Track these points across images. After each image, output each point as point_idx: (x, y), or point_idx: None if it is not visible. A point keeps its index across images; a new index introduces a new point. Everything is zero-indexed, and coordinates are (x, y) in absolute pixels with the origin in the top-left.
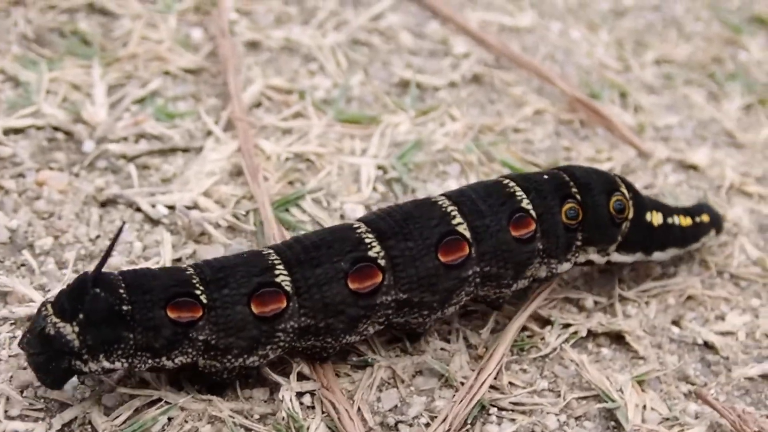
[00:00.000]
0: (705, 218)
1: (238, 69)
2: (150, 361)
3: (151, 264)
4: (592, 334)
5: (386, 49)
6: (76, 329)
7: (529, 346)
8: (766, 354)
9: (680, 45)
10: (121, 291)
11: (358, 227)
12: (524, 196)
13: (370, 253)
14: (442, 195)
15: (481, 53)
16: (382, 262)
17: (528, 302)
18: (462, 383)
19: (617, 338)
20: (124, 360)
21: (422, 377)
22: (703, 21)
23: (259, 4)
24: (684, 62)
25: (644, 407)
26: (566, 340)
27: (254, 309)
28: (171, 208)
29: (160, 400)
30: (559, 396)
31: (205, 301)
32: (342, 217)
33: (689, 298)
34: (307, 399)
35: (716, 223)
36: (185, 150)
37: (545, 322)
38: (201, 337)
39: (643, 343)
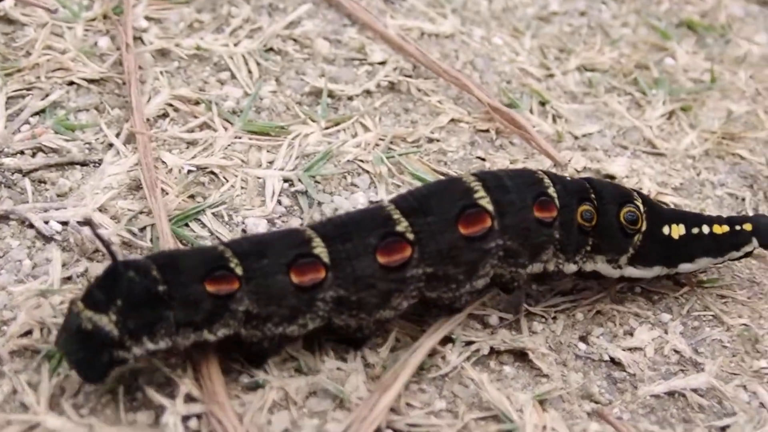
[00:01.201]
0: (747, 227)
1: (144, 79)
2: (192, 335)
3: (39, 283)
4: (495, 352)
5: (301, 57)
6: (114, 318)
7: (429, 366)
8: (674, 370)
9: (605, 51)
10: (155, 273)
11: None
12: (551, 184)
13: (398, 228)
14: (472, 174)
15: (399, 61)
16: (410, 236)
17: (439, 323)
18: (357, 404)
19: (521, 356)
20: (168, 338)
21: (316, 398)
22: (631, 26)
23: (171, 11)
24: (608, 69)
25: (544, 428)
26: (468, 359)
27: (294, 279)
28: (65, 224)
29: (38, 425)
30: (457, 417)
31: (240, 273)
32: (244, 231)
33: (598, 313)
34: (193, 423)
35: (762, 233)
36: (83, 164)
37: (447, 339)
38: (241, 308)
39: (547, 361)
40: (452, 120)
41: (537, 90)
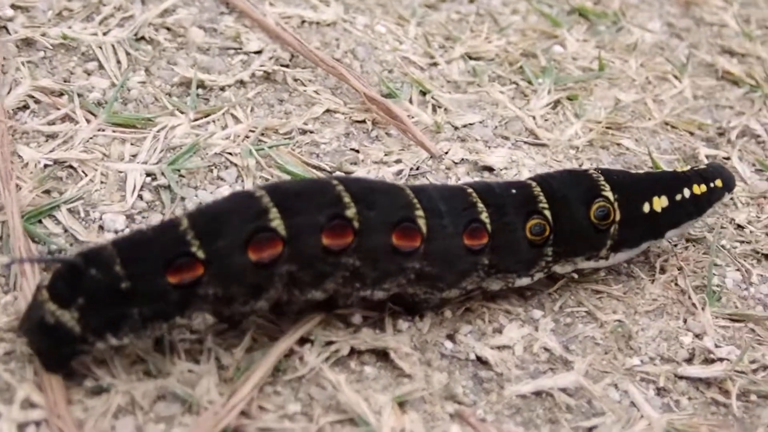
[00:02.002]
0: (719, 183)
1: (6, 70)
2: (164, 324)
3: None
4: (355, 352)
5: (173, 47)
6: (76, 315)
7: (286, 367)
8: (542, 369)
9: (492, 39)
10: (118, 268)
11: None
12: (484, 208)
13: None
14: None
15: (276, 50)
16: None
17: (300, 323)
18: (206, 408)
19: (383, 355)
20: (132, 334)
21: (164, 403)
22: (521, 13)
23: None
24: (494, 57)
25: (402, 431)
26: (327, 359)
27: (252, 257)
28: None
29: None
30: (311, 420)
31: (202, 256)
32: (101, 228)
33: (468, 310)
34: (31, 429)
35: (728, 184)
36: None
37: (306, 339)
38: (210, 291)
39: (410, 360)
40: (328, 111)
41: (418, 79)
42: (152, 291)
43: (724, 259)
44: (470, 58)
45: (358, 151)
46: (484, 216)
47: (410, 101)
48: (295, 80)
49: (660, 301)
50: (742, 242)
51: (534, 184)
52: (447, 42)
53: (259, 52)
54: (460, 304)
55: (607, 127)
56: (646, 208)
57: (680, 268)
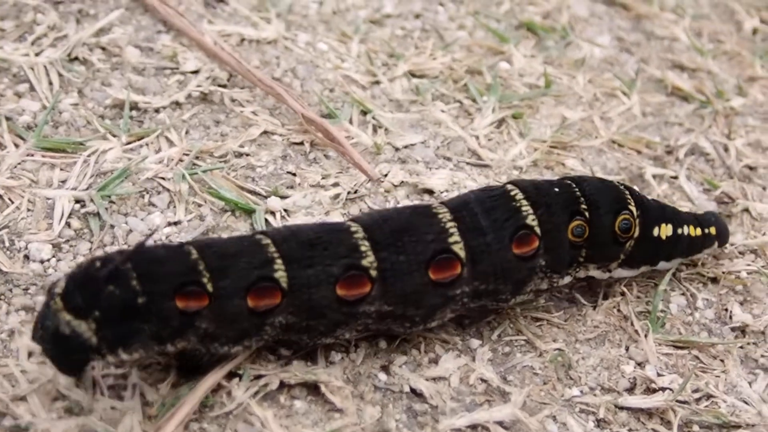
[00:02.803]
0: (713, 230)
1: None
2: (156, 348)
3: None
4: (285, 386)
5: (107, 67)
6: (93, 326)
7: (212, 402)
8: (479, 401)
9: (437, 56)
10: (134, 283)
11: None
12: (531, 211)
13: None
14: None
15: (213, 70)
16: (373, 273)
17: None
18: None
19: (314, 389)
20: (141, 350)
21: None
22: (467, 29)
23: None
24: (438, 75)
25: None
26: (255, 394)
27: (250, 303)
28: None
29: None
30: None
31: (210, 290)
32: (26, 257)
33: (403, 340)
34: None
35: (722, 236)
36: None
37: (233, 373)
38: (204, 325)
39: (342, 394)
40: (265, 132)
41: (359, 99)
42: (161, 311)
43: (670, 284)
44: (414, 75)
45: (294, 175)
46: (531, 219)
47: (350, 121)
48: (233, 101)
49: (602, 328)
50: (687, 266)
51: (573, 184)
52: (390, 59)
53: (196, 72)
54: (395, 335)
55: (552, 147)
56: (656, 232)
57: (623, 294)
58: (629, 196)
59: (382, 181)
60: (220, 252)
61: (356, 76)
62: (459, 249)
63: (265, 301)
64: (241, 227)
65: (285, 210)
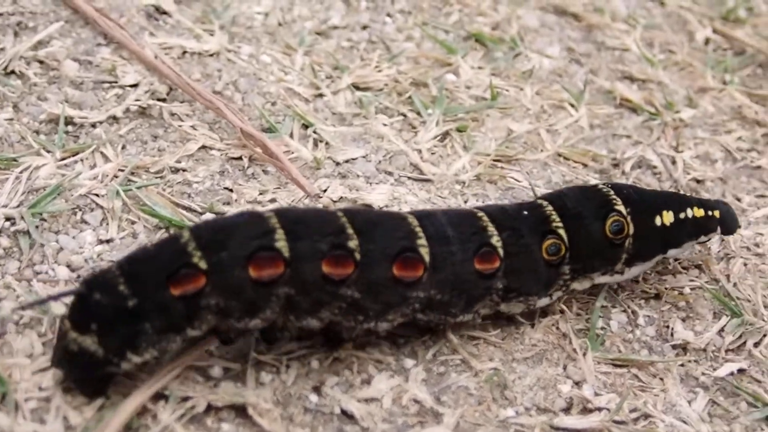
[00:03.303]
0: (716, 213)
1: None
2: (177, 336)
3: None
4: (213, 408)
5: (44, 81)
6: (96, 338)
7: (138, 426)
8: (411, 423)
9: (383, 68)
10: (122, 288)
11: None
12: (496, 232)
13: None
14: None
15: (153, 83)
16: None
17: (155, 377)
18: None
19: (242, 411)
20: (152, 348)
21: None
22: (415, 40)
23: None
24: (382, 87)
25: None
26: (181, 416)
27: (252, 273)
28: None
29: None
30: None
31: (204, 267)
32: None
33: (336, 360)
34: None
35: (726, 223)
36: None
37: (160, 395)
38: (213, 302)
39: (271, 417)
40: (203, 147)
41: (300, 112)
42: (159, 305)
43: (611, 300)
44: (358, 88)
45: (231, 190)
46: (495, 240)
47: (291, 136)
48: (172, 115)
49: (540, 346)
50: (630, 282)
51: (545, 203)
52: (335, 72)
53: (135, 86)
54: (329, 353)
55: (496, 160)
56: (658, 221)
57: (562, 311)
58: (614, 196)
59: (321, 197)
60: (214, 227)
61: (299, 89)
62: (425, 252)
63: (268, 271)
64: None
65: None
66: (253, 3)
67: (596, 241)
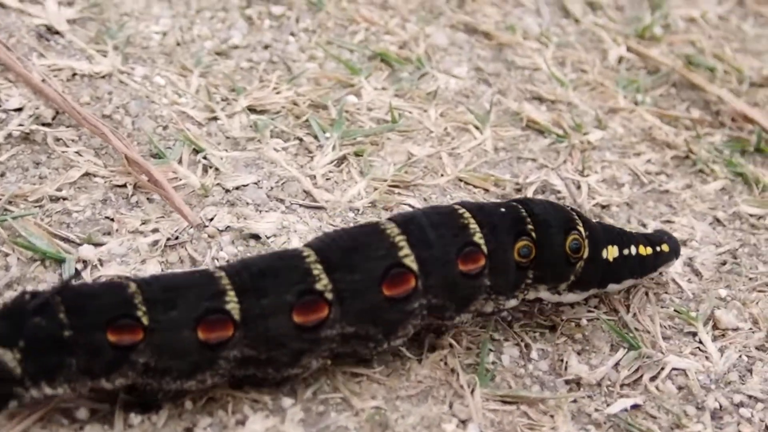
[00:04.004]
0: (665, 248)
1: None
2: (89, 382)
3: None
4: None
5: None
6: (18, 356)
7: None
8: None
9: (282, 89)
10: (62, 316)
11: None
12: (478, 229)
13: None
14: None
15: (39, 107)
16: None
17: (15, 420)
18: None
19: None
20: (66, 384)
21: None
22: (318, 60)
23: None
24: (280, 110)
25: None
26: None
27: (201, 335)
28: None
29: None
30: None
31: (146, 323)
32: None
33: (211, 399)
34: None
35: (676, 251)
36: None
37: None
38: (141, 360)
39: None
40: (86, 174)
41: (191, 137)
42: (91, 345)
43: (504, 333)
44: (255, 111)
45: (113, 220)
46: (478, 237)
47: (180, 161)
48: (57, 140)
49: (426, 383)
50: (524, 313)
51: (519, 206)
52: (231, 94)
53: (19, 110)
54: (203, 393)
55: (393, 186)
56: (604, 254)
57: (452, 345)
58: (577, 217)
59: (206, 226)
60: (163, 285)
61: (192, 112)
62: (410, 262)
63: (217, 334)
64: (49, 278)
65: (99, 259)
66: (151, 22)
67: (557, 253)
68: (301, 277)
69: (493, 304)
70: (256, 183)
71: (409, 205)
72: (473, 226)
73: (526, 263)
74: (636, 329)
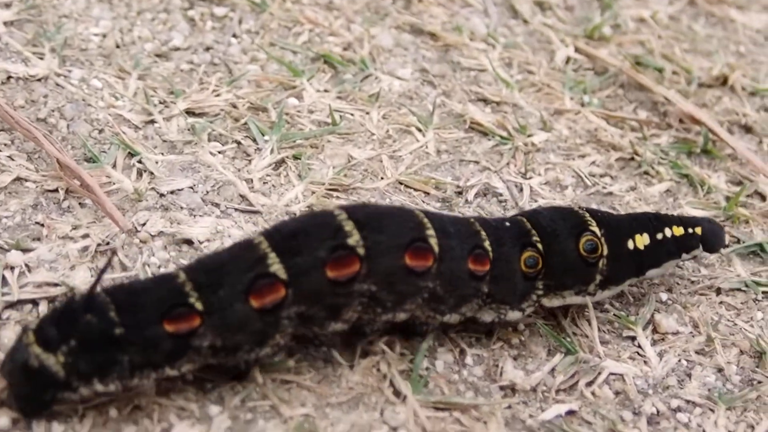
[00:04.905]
0: (698, 230)
1: None
2: (153, 374)
3: None
4: None
5: None
6: (62, 359)
7: None
8: None
9: (222, 92)
10: (112, 314)
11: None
12: (486, 237)
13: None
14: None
15: None
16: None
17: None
18: None
19: None
20: (119, 381)
21: None
22: (260, 62)
23: None
24: (218, 113)
25: None
26: None
27: (254, 303)
28: None
29: None
30: None
31: (201, 308)
32: None
33: (136, 408)
34: None
35: (709, 240)
36: None
37: None
38: (206, 343)
39: None
40: (18, 179)
41: (126, 141)
42: (147, 339)
43: (439, 339)
44: (193, 114)
45: (43, 225)
46: (487, 244)
47: (114, 166)
48: None
49: (357, 390)
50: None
51: (524, 219)
52: (170, 96)
53: None
54: (129, 401)
55: (332, 189)
56: (630, 245)
57: (384, 351)
58: (589, 218)
59: (138, 231)
60: (208, 266)
61: (129, 115)
62: (433, 243)
63: (270, 297)
64: None
65: (26, 265)
66: (90, 24)
67: (571, 259)
68: (333, 233)
69: (495, 314)
70: (191, 187)
71: None
72: (483, 234)
73: (533, 273)
74: (574, 334)
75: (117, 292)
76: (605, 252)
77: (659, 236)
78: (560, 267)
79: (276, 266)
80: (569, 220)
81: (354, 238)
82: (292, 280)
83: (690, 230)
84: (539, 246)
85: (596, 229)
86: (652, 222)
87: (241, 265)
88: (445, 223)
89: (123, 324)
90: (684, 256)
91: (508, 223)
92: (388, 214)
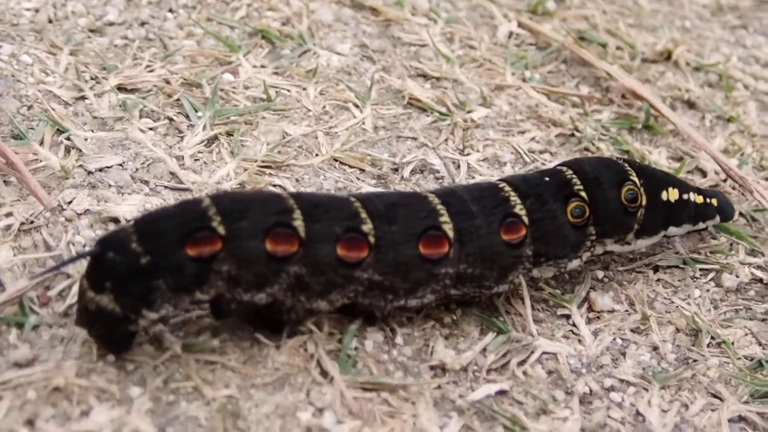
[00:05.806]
0: (714, 202)
1: None
2: (186, 297)
3: None
4: None
5: None
6: (111, 297)
7: None
8: None
9: (155, 67)
10: (134, 245)
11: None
12: (519, 201)
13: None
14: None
15: None
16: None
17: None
18: None
19: None
20: (167, 304)
21: None
22: (196, 37)
23: None
24: (151, 89)
25: None
26: None
27: (269, 247)
28: None
29: None
30: None
31: (223, 232)
32: None
33: (56, 389)
34: None
35: (724, 210)
36: None
37: None
38: (225, 268)
39: None
40: None
41: (55, 117)
42: (172, 263)
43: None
44: (125, 90)
45: None
46: (519, 208)
47: (41, 143)
48: None
49: (283, 370)
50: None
51: (566, 168)
52: (102, 72)
53: None
54: (47, 383)
55: (265, 167)
56: (664, 196)
57: (311, 331)
58: (629, 168)
59: (64, 209)
60: (236, 198)
61: (59, 91)
62: (448, 229)
63: (284, 247)
64: None
65: None
66: None
67: (613, 206)
68: (350, 216)
69: (554, 269)
70: (120, 164)
71: (281, 186)
72: (515, 198)
73: (582, 222)
74: (507, 312)
75: (141, 221)
76: (644, 202)
77: (685, 196)
78: (603, 215)
79: (298, 222)
80: (612, 168)
81: (367, 226)
82: (307, 243)
83: (707, 200)
84: (583, 194)
85: (636, 179)
86: (681, 183)
87: (269, 207)
88: (466, 202)
89: (147, 252)
90: (700, 225)
91: (547, 178)
92: (404, 204)
